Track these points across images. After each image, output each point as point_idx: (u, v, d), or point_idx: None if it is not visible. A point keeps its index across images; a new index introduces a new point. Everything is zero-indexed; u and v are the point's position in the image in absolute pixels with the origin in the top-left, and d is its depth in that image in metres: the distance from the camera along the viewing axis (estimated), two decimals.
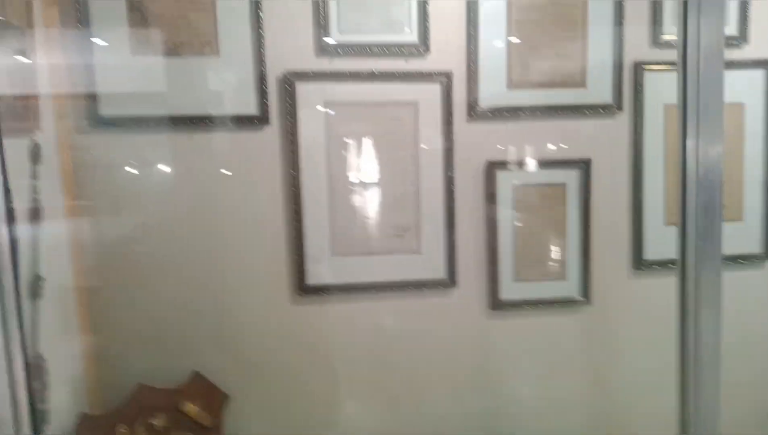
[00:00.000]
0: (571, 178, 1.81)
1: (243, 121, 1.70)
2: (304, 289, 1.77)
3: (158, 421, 1.64)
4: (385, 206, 1.78)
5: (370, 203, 1.78)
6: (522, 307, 1.83)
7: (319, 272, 1.77)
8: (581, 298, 1.84)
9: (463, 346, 1.85)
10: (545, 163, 1.80)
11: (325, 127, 1.73)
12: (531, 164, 1.80)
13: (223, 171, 1.73)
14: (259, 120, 1.70)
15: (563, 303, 1.85)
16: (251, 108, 1.70)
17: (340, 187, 1.75)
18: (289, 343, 1.81)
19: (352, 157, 1.75)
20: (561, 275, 1.83)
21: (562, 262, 1.83)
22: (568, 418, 1.91)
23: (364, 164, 1.76)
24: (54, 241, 1.56)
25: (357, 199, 1.77)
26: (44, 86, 1.56)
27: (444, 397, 1.86)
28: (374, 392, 1.86)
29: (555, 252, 1.83)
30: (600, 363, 1.91)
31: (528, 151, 1.81)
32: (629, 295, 1.89)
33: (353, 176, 1.76)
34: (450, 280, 1.80)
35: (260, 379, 1.83)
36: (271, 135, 1.73)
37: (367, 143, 1.75)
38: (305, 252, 1.75)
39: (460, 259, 1.81)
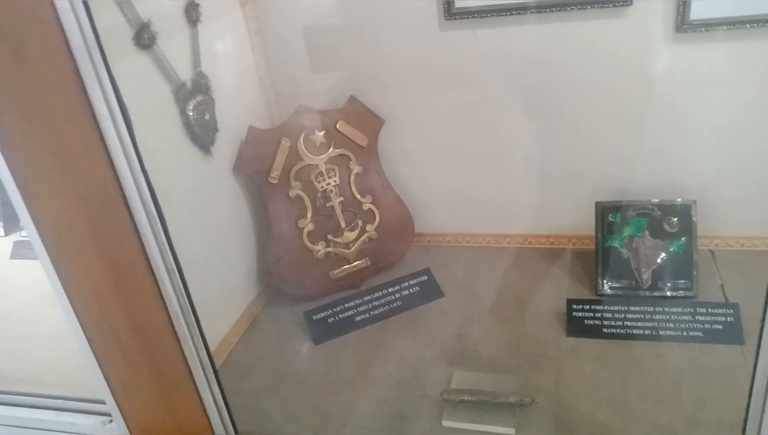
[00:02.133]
0: None
1: None
2: (452, 13, 1.64)
3: (318, 138, 1.77)
4: None
5: None
6: (714, 27, 1.51)
7: None
8: None
9: (637, 76, 1.63)
10: None
11: None
12: None
13: None
14: None
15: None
16: None
17: None
18: (437, 69, 1.76)
19: None
20: None
21: None
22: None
23: None
24: None
25: None
26: None
27: (610, 133, 1.72)
28: (524, 122, 1.78)
29: None
30: None
31: None
32: None
33: None
34: None
35: (411, 105, 1.85)
36: None
37: None
38: None
39: None
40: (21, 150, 0.98)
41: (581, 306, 1.59)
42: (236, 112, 1.73)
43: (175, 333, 1.18)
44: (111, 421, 1.37)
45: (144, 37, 1.31)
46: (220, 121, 1.63)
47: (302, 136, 1.76)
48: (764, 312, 0.81)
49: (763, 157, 1.64)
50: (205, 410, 1.26)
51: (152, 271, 1.11)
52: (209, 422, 1.27)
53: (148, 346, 1.19)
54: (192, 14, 1.48)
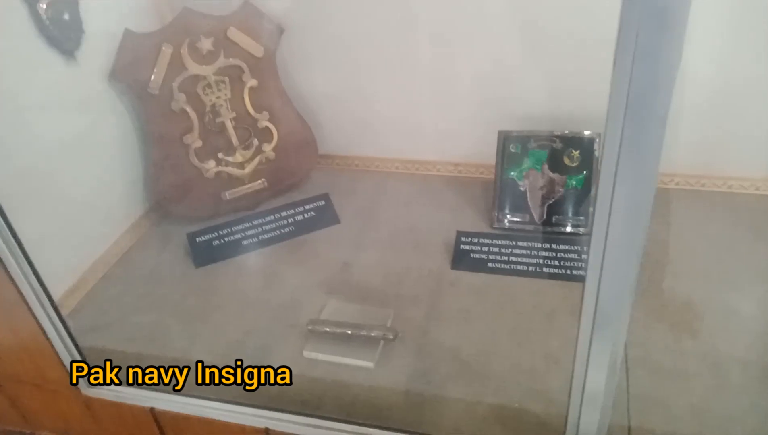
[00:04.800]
0: None
1: None
2: None
3: (205, 45, 1.62)
4: None
5: None
6: None
7: None
8: None
9: None
10: None
11: None
12: None
13: None
14: None
15: None
16: None
17: None
18: None
19: None
20: None
21: None
22: None
23: None
24: None
25: None
26: None
27: (525, 58, 1.60)
28: (434, 41, 1.65)
29: None
30: None
31: None
32: None
33: None
34: None
35: (316, 14, 1.69)
36: None
37: None
38: None
39: None
40: None
41: (469, 239, 1.53)
42: (110, 12, 1.55)
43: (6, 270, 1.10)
44: None
45: None
46: (86, 21, 1.46)
47: (186, 42, 1.60)
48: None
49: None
50: (42, 330, 1.19)
51: None
52: (50, 342, 1.21)
53: None
54: None
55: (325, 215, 1.72)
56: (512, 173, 1.59)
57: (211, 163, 1.71)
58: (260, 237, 1.67)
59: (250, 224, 1.68)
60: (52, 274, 1.22)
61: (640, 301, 1.34)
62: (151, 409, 1.26)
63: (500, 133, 1.60)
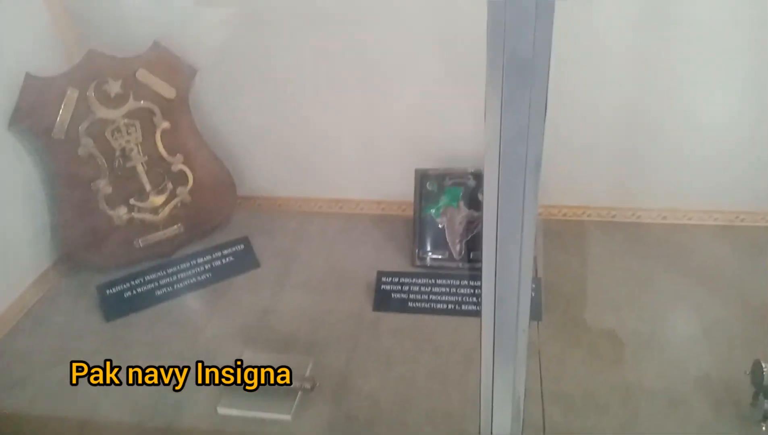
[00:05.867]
0: None
1: None
2: None
3: (113, 88, 1.56)
4: None
5: None
6: None
7: None
8: None
9: (469, 32, 1.53)
10: None
11: None
12: None
13: None
14: None
15: None
16: None
17: None
18: (253, 15, 1.59)
19: None
20: None
21: None
22: None
23: None
24: None
25: None
26: None
27: (436, 96, 1.62)
28: (349, 81, 1.66)
29: None
30: None
31: None
32: None
33: None
34: None
35: (229, 54, 1.67)
36: None
37: None
38: None
39: None
40: None
41: (390, 278, 1.51)
42: (9, 54, 1.48)
43: None
44: None
45: None
46: None
47: (93, 85, 1.54)
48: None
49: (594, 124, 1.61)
50: None
51: None
52: None
53: None
54: None
55: (245, 260, 1.67)
56: (431, 211, 1.60)
57: (123, 210, 1.64)
58: (175, 286, 1.60)
59: (165, 272, 1.61)
60: None
61: (556, 335, 1.35)
62: None
63: (417, 171, 1.61)
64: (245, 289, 1.60)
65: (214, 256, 1.66)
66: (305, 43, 1.62)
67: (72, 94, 1.52)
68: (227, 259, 1.66)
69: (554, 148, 1.63)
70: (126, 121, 1.60)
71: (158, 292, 1.58)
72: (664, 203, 1.70)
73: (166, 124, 1.65)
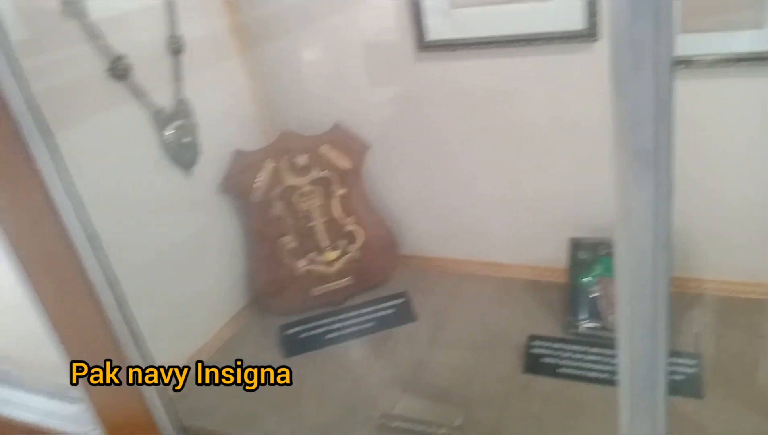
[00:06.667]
0: None
1: None
2: (425, 45, 1.67)
3: (300, 160, 1.85)
4: None
5: None
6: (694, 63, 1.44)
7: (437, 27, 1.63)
8: None
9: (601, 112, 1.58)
10: None
11: None
12: None
13: None
14: None
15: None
16: None
17: None
18: (416, 98, 1.79)
19: None
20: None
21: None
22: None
23: None
24: None
25: None
26: None
27: (589, 168, 1.67)
28: (505, 152, 1.77)
29: None
30: None
31: None
32: None
33: None
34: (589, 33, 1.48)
35: (395, 132, 1.89)
36: None
37: None
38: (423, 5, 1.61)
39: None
40: None
41: (541, 343, 1.55)
42: (221, 135, 1.83)
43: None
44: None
45: (118, 69, 1.44)
46: (204, 143, 1.74)
47: (285, 158, 1.84)
48: None
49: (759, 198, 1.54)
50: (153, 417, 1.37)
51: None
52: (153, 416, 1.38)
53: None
54: (174, 45, 1.60)
55: (404, 313, 1.82)
56: (584, 279, 1.62)
57: (303, 262, 1.89)
58: (343, 331, 1.79)
59: (335, 319, 1.82)
60: (163, 358, 1.41)
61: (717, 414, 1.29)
62: None
63: (571, 240, 1.65)
64: (403, 341, 1.74)
65: (378, 307, 1.84)
66: (464, 119, 1.77)
67: (268, 165, 1.83)
68: (388, 311, 1.83)
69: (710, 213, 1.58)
70: (310, 187, 1.87)
71: (328, 336, 1.78)
72: None
73: (342, 191, 1.89)
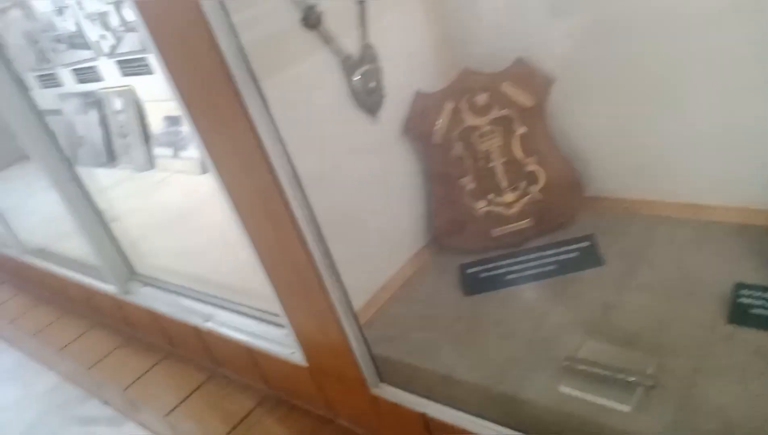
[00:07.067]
0: None
1: None
2: None
3: (480, 100, 1.82)
4: None
5: None
6: None
7: None
8: None
9: None
10: None
11: None
12: None
13: None
14: None
15: None
16: None
17: None
18: (609, 24, 1.65)
19: None
20: None
21: None
22: None
23: None
24: None
25: None
26: None
27: None
28: (711, 82, 1.57)
29: None
30: None
31: None
32: None
33: None
34: None
35: (583, 64, 1.77)
36: None
37: None
38: None
39: None
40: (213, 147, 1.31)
41: (751, 292, 1.40)
42: (404, 77, 1.86)
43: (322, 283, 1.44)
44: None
45: (311, 18, 1.53)
46: (388, 87, 1.79)
47: (465, 98, 1.83)
48: None
49: None
50: (345, 335, 1.50)
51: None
52: (350, 346, 1.52)
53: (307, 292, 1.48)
54: None
55: (589, 257, 1.75)
56: None
57: (482, 203, 1.90)
58: (524, 273, 1.78)
59: (515, 260, 1.81)
60: (352, 291, 1.53)
61: None
62: (423, 415, 1.46)
63: None
64: (588, 285, 1.68)
65: (560, 250, 1.79)
66: (659, 47, 1.60)
67: (448, 106, 1.84)
68: (572, 254, 1.77)
69: None
70: (490, 127, 1.84)
71: (508, 277, 1.78)
72: None
73: (523, 130, 1.84)
